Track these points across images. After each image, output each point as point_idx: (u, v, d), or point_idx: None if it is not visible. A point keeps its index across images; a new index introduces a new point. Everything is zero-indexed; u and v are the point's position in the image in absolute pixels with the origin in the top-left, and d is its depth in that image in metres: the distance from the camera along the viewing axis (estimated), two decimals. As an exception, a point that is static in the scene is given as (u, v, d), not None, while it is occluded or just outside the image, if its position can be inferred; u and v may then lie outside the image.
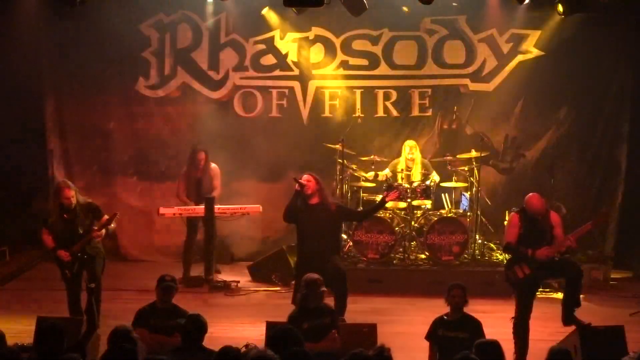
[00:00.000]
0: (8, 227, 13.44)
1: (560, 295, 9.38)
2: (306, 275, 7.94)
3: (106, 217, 9.40)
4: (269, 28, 13.63)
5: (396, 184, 12.07)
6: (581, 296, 8.76)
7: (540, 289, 9.19)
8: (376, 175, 12.52)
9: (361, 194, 12.42)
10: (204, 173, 12.35)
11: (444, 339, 7.57)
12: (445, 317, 7.71)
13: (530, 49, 13.39)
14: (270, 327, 7.85)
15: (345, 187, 12.40)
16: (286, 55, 13.73)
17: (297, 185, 9.09)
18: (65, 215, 9.31)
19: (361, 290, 10.75)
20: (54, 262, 9.51)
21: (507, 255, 9.96)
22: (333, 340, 7.58)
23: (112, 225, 9.46)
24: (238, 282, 12.04)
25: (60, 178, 12.78)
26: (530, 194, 8.79)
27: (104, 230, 9.38)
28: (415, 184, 12.08)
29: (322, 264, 8.81)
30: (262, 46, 13.73)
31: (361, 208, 12.19)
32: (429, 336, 7.71)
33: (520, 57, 13.45)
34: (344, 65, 13.70)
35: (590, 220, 8.71)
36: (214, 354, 6.02)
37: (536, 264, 8.48)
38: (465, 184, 12.49)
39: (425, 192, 12.06)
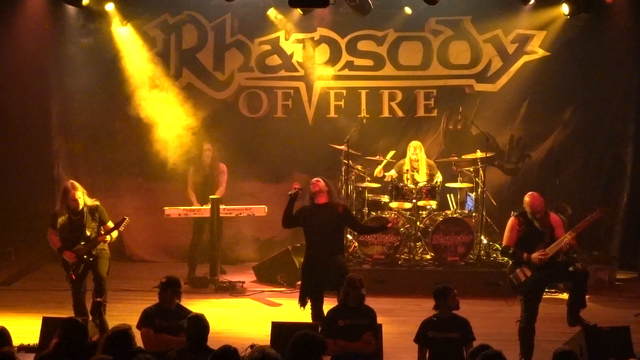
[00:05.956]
0: (14, 228, 13.46)
1: (565, 296, 9.36)
2: (349, 275, 8.05)
3: (111, 225, 9.42)
4: (274, 29, 13.65)
5: (401, 184, 12.08)
6: (586, 297, 8.75)
7: (546, 289, 9.14)
8: (383, 176, 12.52)
9: (366, 195, 12.41)
10: (212, 168, 12.42)
11: (435, 341, 7.52)
12: (434, 319, 7.65)
13: (536, 50, 13.39)
14: (274, 326, 7.87)
15: (350, 187, 12.40)
16: (291, 55, 13.74)
17: (292, 191, 9.11)
18: (73, 217, 9.33)
19: (366, 290, 10.74)
20: (54, 261, 9.52)
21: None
22: (368, 342, 7.61)
23: (120, 229, 9.47)
24: (243, 282, 12.04)
25: (65, 178, 12.79)
26: (529, 192, 8.77)
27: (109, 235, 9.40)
28: (420, 185, 12.07)
29: (326, 264, 8.86)
30: (267, 47, 13.75)
31: (366, 208, 12.24)
32: (418, 339, 7.61)
33: (525, 58, 13.45)
34: (349, 65, 13.70)
35: (587, 216, 8.68)
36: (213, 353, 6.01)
37: (535, 267, 8.47)
38: (471, 185, 12.47)
39: (431, 193, 12.05)
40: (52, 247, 9.48)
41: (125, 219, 9.47)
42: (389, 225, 9.69)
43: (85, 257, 9.28)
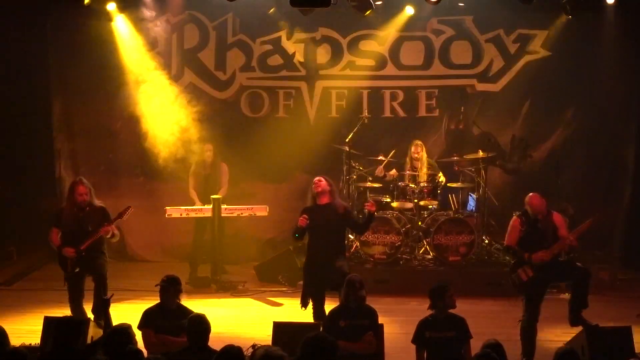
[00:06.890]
0: (15, 228, 13.48)
1: (567, 296, 9.35)
2: (349, 275, 8.03)
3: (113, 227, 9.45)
4: (276, 28, 13.65)
5: (403, 184, 12.08)
6: (588, 297, 8.74)
7: (548, 289, 9.13)
8: (384, 175, 12.52)
9: (368, 195, 12.40)
10: (213, 168, 12.42)
11: (432, 341, 7.49)
12: (430, 319, 7.63)
13: (537, 49, 13.38)
14: (276, 326, 7.86)
15: (351, 187, 12.40)
16: (293, 55, 13.74)
17: (300, 220, 9.13)
18: (78, 214, 9.36)
19: (368, 290, 10.71)
20: (56, 261, 9.54)
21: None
22: (369, 342, 7.60)
23: (124, 217, 9.48)
24: (245, 282, 12.05)
25: (67, 178, 12.86)
26: (531, 193, 8.78)
27: (112, 232, 9.39)
28: (422, 184, 12.07)
29: (328, 264, 8.86)
30: (268, 46, 13.74)
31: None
32: (416, 340, 7.58)
33: (527, 58, 13.45)
34: (351, 65, 13.70)
35: (590, 218, 8.68)
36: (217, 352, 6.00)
37: (536, 266, 8.47)
38: (472, 185, 12.47)
39: (432, 193, 12.05)
40: (52, 245, 9.50)
41: (130, 207, 9.50)
42: (372, 211, 9.44)
43: (84, 254, 9.29)
